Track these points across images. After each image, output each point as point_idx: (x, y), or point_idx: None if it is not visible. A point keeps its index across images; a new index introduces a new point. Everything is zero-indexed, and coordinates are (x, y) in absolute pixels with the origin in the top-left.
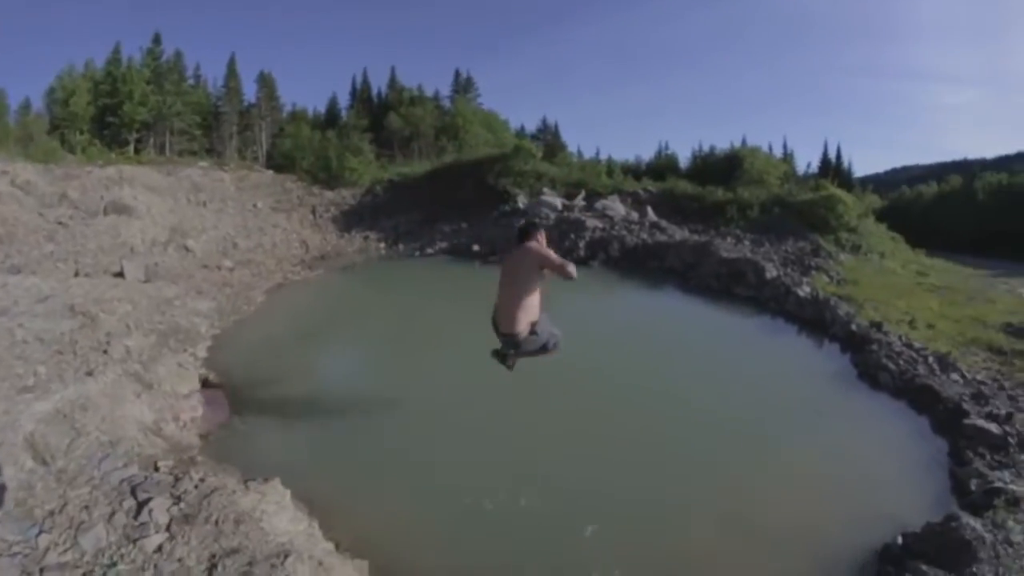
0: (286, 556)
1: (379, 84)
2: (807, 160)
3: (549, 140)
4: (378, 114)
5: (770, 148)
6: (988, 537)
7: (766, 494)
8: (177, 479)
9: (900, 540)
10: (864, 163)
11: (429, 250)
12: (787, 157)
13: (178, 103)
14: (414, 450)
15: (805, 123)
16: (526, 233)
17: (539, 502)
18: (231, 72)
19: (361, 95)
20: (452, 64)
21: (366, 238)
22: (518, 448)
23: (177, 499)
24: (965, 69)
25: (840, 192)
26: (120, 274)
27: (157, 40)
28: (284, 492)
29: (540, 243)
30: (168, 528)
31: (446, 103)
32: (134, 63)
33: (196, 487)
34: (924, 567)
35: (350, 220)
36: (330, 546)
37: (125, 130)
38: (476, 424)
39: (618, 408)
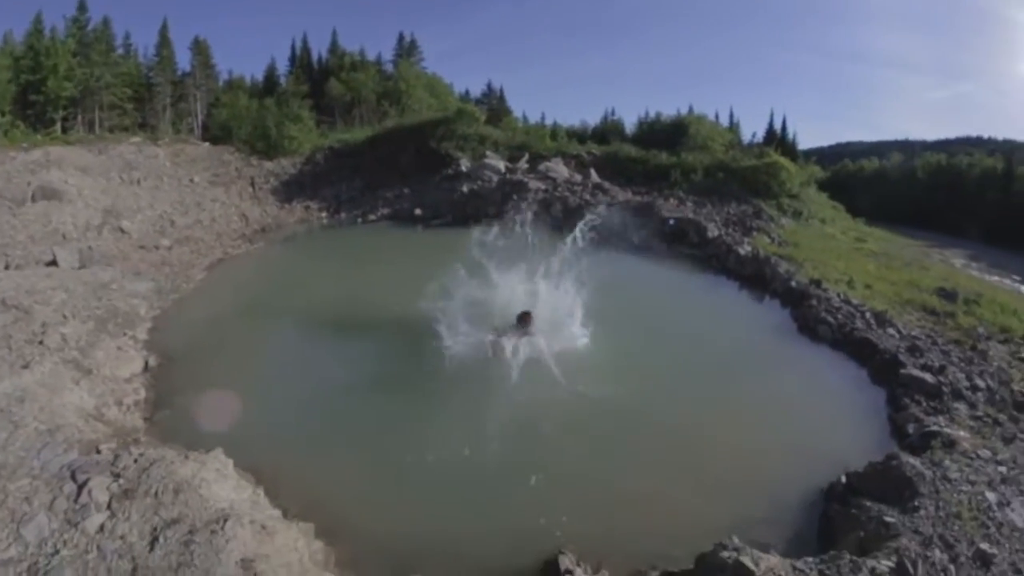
0: (225, 520)
1: (320, 49)
2: (753, 131)
3: (494, 105)
4: (318, 80)
5: (716, 117)
6: (928, 474)
7: (715, 441)
8: (117, 456)
9: (844, 479)
10: (809, 137)
11: (371, 216)
12: (733, 127)
13: (107, 75)
14: (361, 416)
15: (752, 95)
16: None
17: (486, 460)
18: (163, 40)
19: (301, 60)
20: (396, 28)
21: (307, 208)
22: (464, 409)
23: (116, 476)
24: (913, 56)
25: (783, 160)
26: (53, 263)
27: (82, 7)
28: (227, 461)
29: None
30: (109, 506)
31: (389, 68)
32: (57, 34)
33: (135, 461)
34: (868, 503)
35: (290, 190)
36: (277, 512)
37: (51, 108)
38: (421, 388)
39: (563, 364)
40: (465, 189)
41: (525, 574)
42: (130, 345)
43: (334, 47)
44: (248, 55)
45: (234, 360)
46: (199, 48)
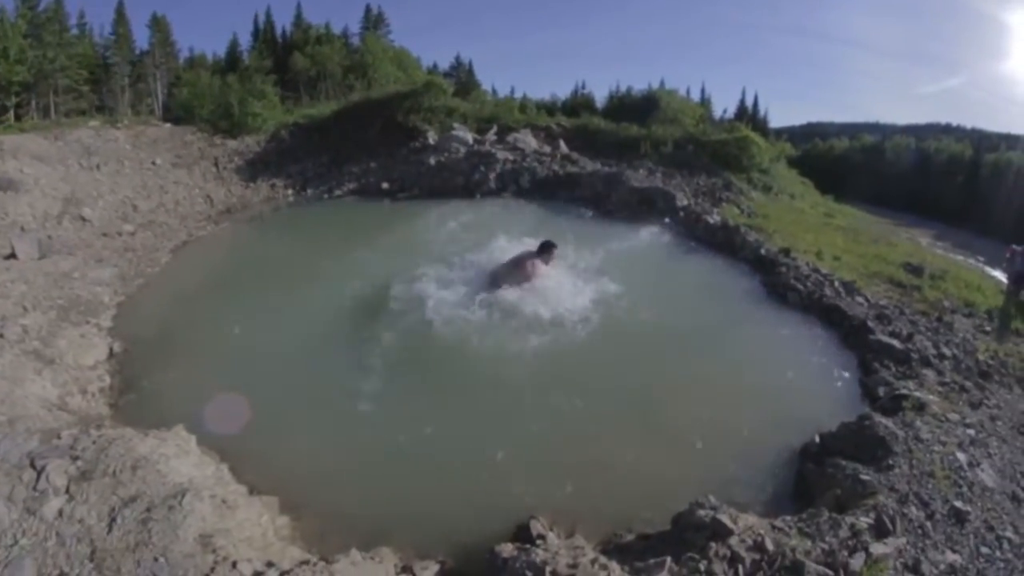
0: (183, 495)
1: (284, 22)
2: (724, 107)
3: (463, 79)
4: (283, 55)
5: (688, 93)
6: (901, 434)
7: (688, 404)
8: (76, 439)
9: (818, 440)
10: (781, 115)
11: (337, 192)
12: (705, 102)
13: (61, 57)
14: (326, 390)
15: (724, 73)
16: (544, 250)
17: (453, 427)
18: (119, 17)
19: (264, 35)
20: (363, 0)
21: (273, 186)
22: (432, 377)
23: (75, 458)
24: (886, 42)
25: (754, 135)
26: (12, 255)
27: None
28: (188, 437)
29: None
30: (67, 490)
31: (355, 41)
32: (6, 15)
33: (94, 443)
34: (843, 462)
35: (255, 169)
36: (241, 488)
37: (2, 95)
38: (387, 360)
39: (533, 332)
40: (432, 161)
41: (496, 540)
42: (94, 333)
43: (298, 20)
44: (209, 31)
45: (200, 341)
46: (158, 25)
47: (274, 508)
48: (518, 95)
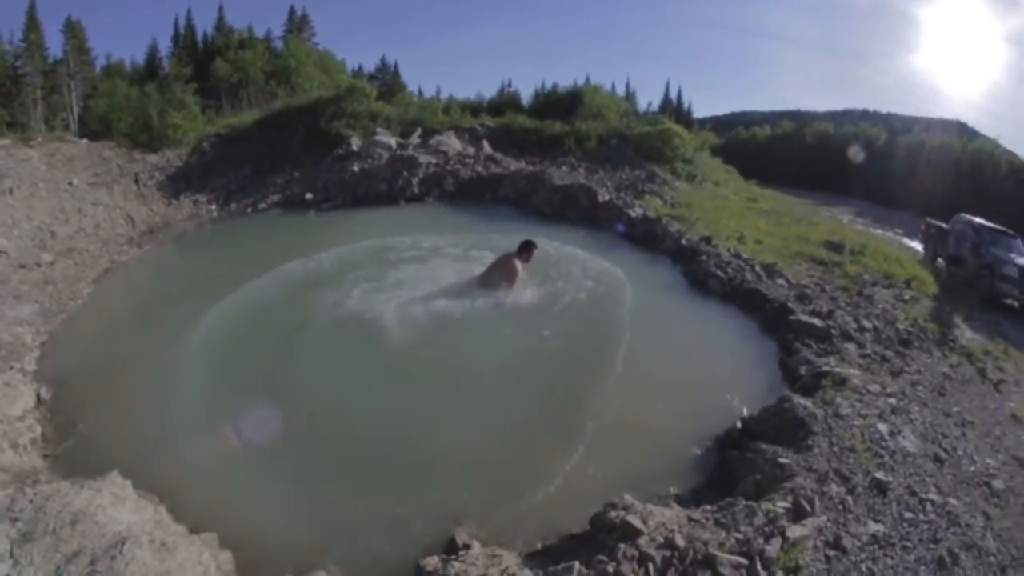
0: (123, 544)
1: (205, 26)
2: (649, 100)
3: (388, 80)
4: (204, 61)
5: (613, 87)
6: (820, 413)
7: (611, 401)
8: (13, 500)
9: (739, 425)
10: (705, 106)
11: (262, 205)
12: (629, 96)
13: None
14: (257, 419)
15: (649, 66)
16: (523, 249)
17: (378, 441)
18: (31, 22)
19: (185, 40)
20: (287, 1)
21: (195, 202)
22: (364, 403)
23: (14, 520)
24: (806, 35)
25: (676, 127)
26: None
27: None
28: (124, 483)
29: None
30: (11, 554)
31: (279, 44)
32: None
33: (31, 501)
34: (764, 446)
35: (177, 184)
36: (181, 528)
37: None
38: (320, 387)
39: (456, 333)
40: (356, 169)
41: (426, 552)
42: (18, 379)
43: (220, 24)
44: (127, 36)
45: (132, 378)
46: (72, 30)
47: (214, 545)
48: (444, 95)
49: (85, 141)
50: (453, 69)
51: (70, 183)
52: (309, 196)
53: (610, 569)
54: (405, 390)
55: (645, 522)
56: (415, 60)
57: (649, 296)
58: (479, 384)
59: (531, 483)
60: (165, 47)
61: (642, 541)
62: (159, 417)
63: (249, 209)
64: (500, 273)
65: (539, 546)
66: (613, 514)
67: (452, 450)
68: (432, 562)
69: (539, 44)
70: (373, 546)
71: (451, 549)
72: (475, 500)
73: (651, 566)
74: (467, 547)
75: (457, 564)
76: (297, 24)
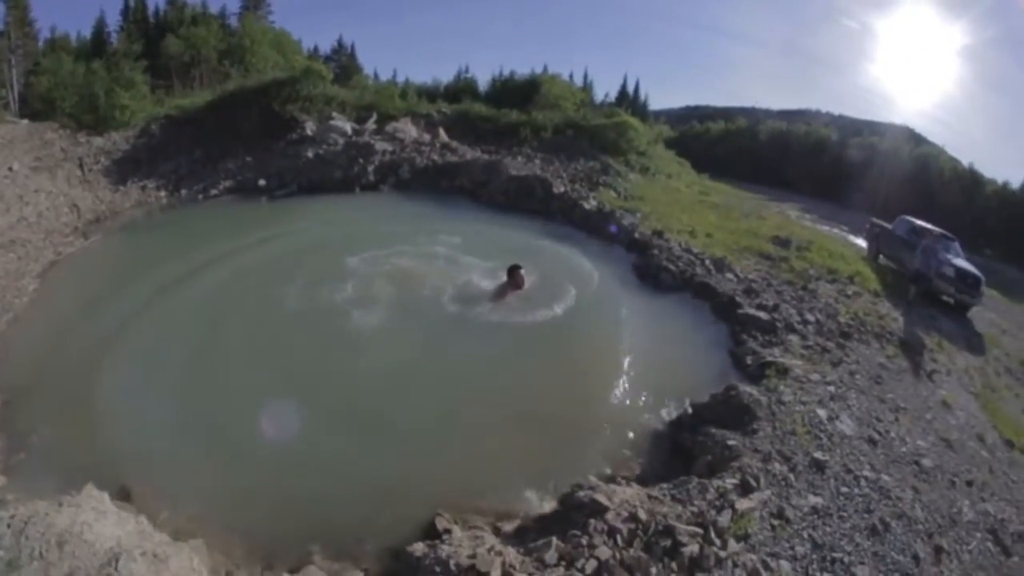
0: (117, 560)
1: (157, 0)
2: (606, 91)
3: (344, 62)
4: (154, 37)
5: (571, 77)
6: (764, 399)
7: (569, 388)
8: None
9: (691, 411)
10: (661, 99)
11: (213, 191)
12: (587, 86)
13: None
14: (225, 416)
15: (607, 58)
16: (510, 276)
17: (350, 431)
18: None
19: (135, 14)
20: None
21: (144, 188)
22: (325, 396)
23: None
24: (763, 33)
25: (632, 119)
26: None
27: None
28: (101, 496)
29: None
30: None
31: (233, 22)
32: None
33: (9, 526)
34: (714, 430)
35: (125, 169)
36: (164, 537)
37: None
38: (281, 380)
39: (415, 323)
40: (310, 154)
41: (408, 539)
42: None
43: None
44: (74, 8)
45: (85, 378)
46: (14, 0)
47: (202, 550)
48: (400, 79)
49: (26, 122)
50: (410, 52)
51: (9, 168)
52: (262, 182)
53: (584, 542)
54: (372, 391)
55: (610, 499)
56: (372, 42)
57: (604, 287)
58: (443, 379)
59: (502, 469)
60: (114, 21)
61: (609, 516)
62: (117, 420)
63: (200, 196)
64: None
65: (514, 527)
66: (581, 494)
67: (424, 443)
68: (419, 548)
69: (498, 29)
70: (359, 536)
71: (433, 535)
72: (452, 488)
73: (619, 537)
74: (448, 532)
75: (445, 547)
76: (253, 1)
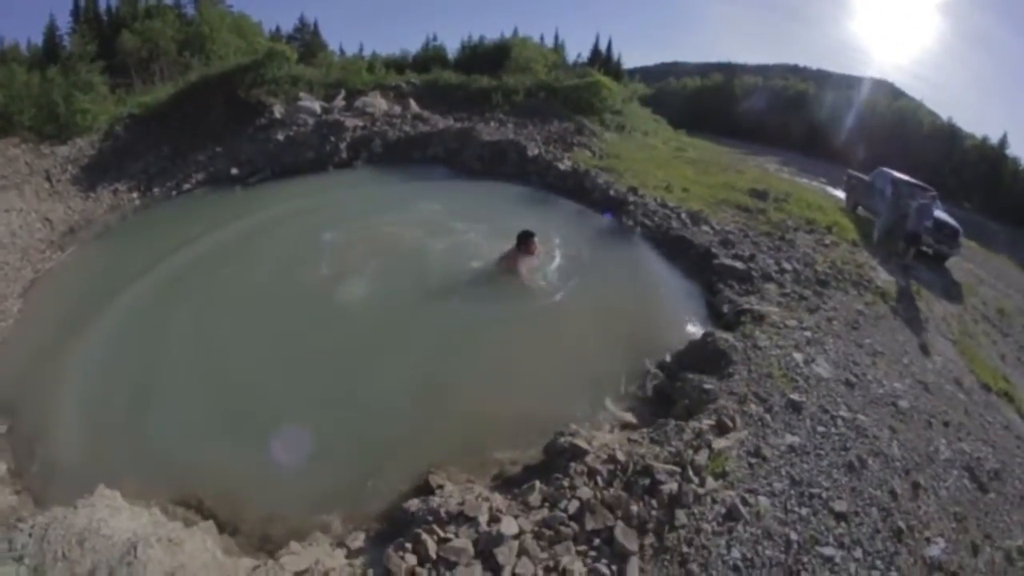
0: (135, 548)
1: None
2: (579, 52)
3: (308, 40)
4: (109, 35)
5: (542, 39)
6: (740, 345)
7: (554, 338)
8: (10, 540)
9: (669, 358)
10: (636, 57)
11: (186, 186)
12: (558, 48)
13: None
14: (225, 407)
15: (578, 17)
16: (522, 241)
17: (338, 394)
18: None
19: (86, 13)
20: None
21: (115, 192)
22: (316, 372)
23: (19, 559)
24: None
25: (604, 79)
26: None
27: None
28: (113, 494)
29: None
30: None
31: (190, 11)
32: None
33: (30, 535)
34: (691, 375)
35: (94, 175)
36: (178, 524)
37: None
38: (269, 367)
39: (400, 289)
40: (281, 137)
41: (405, 497)
42: None
43: None
44: (22, 14)
45: (83, 391)
46: None
47: (213, 532)
48: (367, 52)
49: None
50: (376, 25)
51: None
52: (235, 171)
53: (565, 483)
54: (360, 363)
55: (590, 443)
56: (335, 17)
57: (581, 244)
58: (426, 331)
59: (491, 422)
60: (65, 23)
61: (589, 459)
62: (119, 424)
63: (173, 192)
64: (503, 273)
65: (503, 478)
66: (562, 440)
67: (415, 404)
68: (414, 504)
69: None
70: (359, 500)
71: (427, 491)
72: (445, 445)
73: (599, 478)
74: (441, 487)
75: (436, 499)
76: None
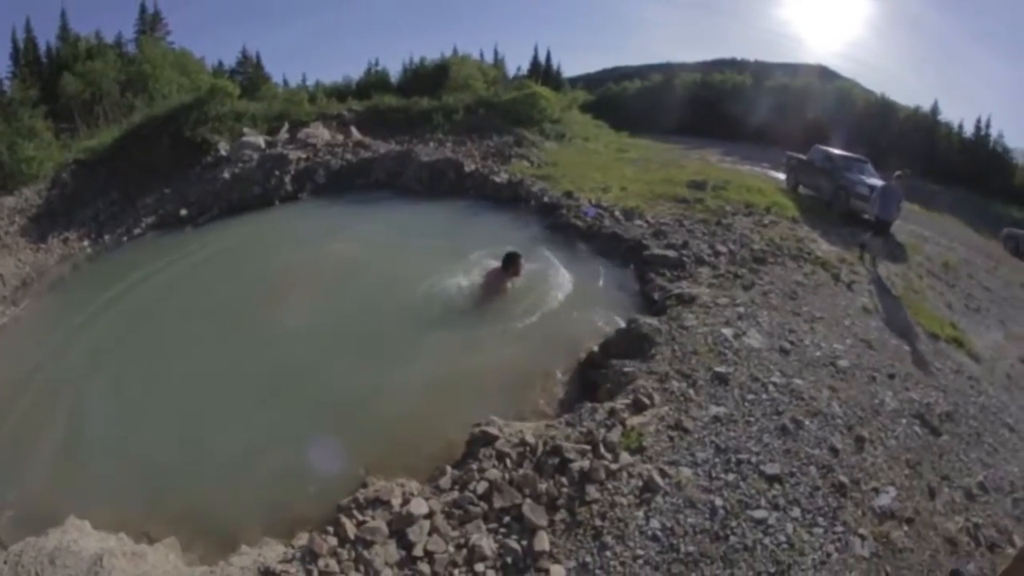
0: (101, 559)
1: (47, 37)
2: (519, 64)
3: (251, 74)
4: (50, 78)
5: (481, 55)
6: (664, 328)
7: (489, 347)
8: None
9: (597, 348)
10: (576, 65)
11: (136, 231)
12: (498, 63)
13: None
14: (178, 439)
15: (517, 31)
16: (509, 264)
17: (289, 420)
18: None
19: (25, 56)
20: None
21: (66, 241)
22: (257, 406)
23: None
24: None
25: (542, 89)
26: None
27: None
28: (82, 523)
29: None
30: None
31: (131, 49)
32: None
33: (5, 562)
34: (616, 361)
35: (43, 225)
36: (144, 543)
37: None
38: (221, 392)
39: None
40: (227, 175)
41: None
42: None
43: (64, 32)
44: None
45: (49, 437)
46: None
47: (176, 547)
48: (311, 82)
49: None
50: (318, 53)
51: None
52: (184, 212)
53: (474, 467)
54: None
55: (502, 431)
56: (278, 47)
57: (520, 246)
58: (358, 340)
59: (427, 426)
60: (3, 67)
61: (499, 443)
62: (84, 465)
63: (124, 238)
64: (489, 291)
65: (430, 473)
66: (476, 429)
67: (348, 415)
68: (344, 499)
69: (406, 18)
70: (301, 505)
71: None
72: (377, 455)
73: (508, 460)
74: (378, 490)
75: (362, 492)
76: (149, 23)
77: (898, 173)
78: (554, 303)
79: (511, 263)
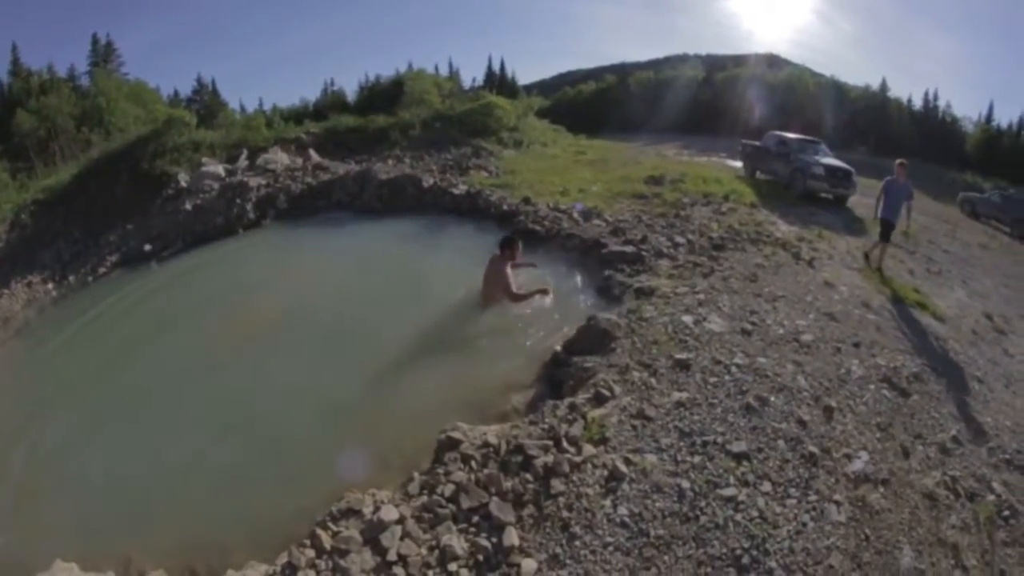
0: None
1: None
2: (474, 76)
3: (207, 101)
4: (3, 115)
5: (436, 69)
6: (623, 321)
7: (444, 346)
8: None
9: (559, 348)
10: (531, 72)
11: (101, 269)
12: (453, 75)
13: None
14: (154, 466)
15: (471, 43)
16: (505, 247)
17: (261, 437)
18: None
19: None
20: (88, 28)
21: (29, 284)
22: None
23: None
24: None
25: (497, 98)
26: None
27: None
28: (70, 566)
29: (511, 259)
30: None
31: (85, 81)
32: None
33: None
34: (577, 359)
35: (4, 269)
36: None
37: None
38: (192, 422)
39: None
40: (188, 206)
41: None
42: None
43: (16, 67)
44: None
45: (26, 481)
46: None
47: None
48: (267, 106)
49: None
50: (274, 76)
51: None
52: (148, 247)
53: (440, 471)
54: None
55: (466, 435)
56: (233, 73)
57: (475, 257)
58: (316, 350)
59: (397, 437)
60: None
61: (464, 447)
62: (64, 510)
63: (89, 278)
64: (492, 285)
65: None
66: (442, 436)
67: (322, 427)
68: (319, 513)
69: (362, 36)
70: (282, 525)
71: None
72: (360, 462)
73: (473, 462)
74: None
75: (335, 504)
76: (102, 54)
77: (899, 161)
78: (512, 308)
79: (507, 246)
